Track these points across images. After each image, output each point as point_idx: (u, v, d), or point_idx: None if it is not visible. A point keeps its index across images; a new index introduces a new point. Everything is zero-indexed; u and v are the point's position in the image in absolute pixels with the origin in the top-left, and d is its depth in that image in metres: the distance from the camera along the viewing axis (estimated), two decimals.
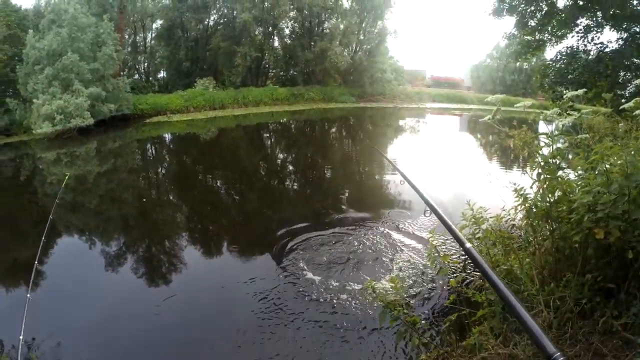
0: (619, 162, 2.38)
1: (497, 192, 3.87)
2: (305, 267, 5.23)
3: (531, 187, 3.06)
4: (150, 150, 17.78)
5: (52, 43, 22.21)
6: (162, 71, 39.53)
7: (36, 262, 3.13)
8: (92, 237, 7.16)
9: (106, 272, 5.61)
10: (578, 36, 13.25)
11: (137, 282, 5.29)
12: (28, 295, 2.84)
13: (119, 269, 5.65)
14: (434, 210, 2.67)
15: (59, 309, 4.64)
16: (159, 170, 13.57)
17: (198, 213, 8.23)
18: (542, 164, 2.91)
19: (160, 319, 4.48)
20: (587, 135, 2.90)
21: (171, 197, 9.75)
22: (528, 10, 13.83)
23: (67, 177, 5.18)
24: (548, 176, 2.84)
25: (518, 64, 40.61)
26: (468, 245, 1.95)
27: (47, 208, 8.76)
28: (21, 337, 2.66)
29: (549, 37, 14.29)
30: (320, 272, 5.09)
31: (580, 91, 2.84)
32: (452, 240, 3.92)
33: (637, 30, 12.16)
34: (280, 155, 14.30)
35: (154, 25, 38.33)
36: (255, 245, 6.23)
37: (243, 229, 7.23)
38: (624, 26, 12.31)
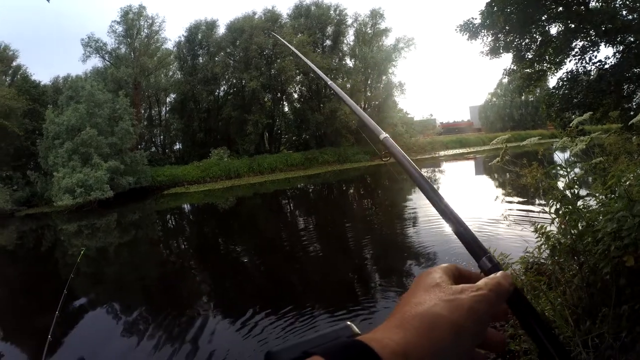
0: (637, 180, 2.24)
1: (519, 233, 3.68)
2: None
3: (552, 224, 2.91)
4: (170, 222, 17.66)
5: (71, 118, 23.32)
6: (177, 143, 40.94)
7: (49, 336, 3.10)
8: (106, 312, 7.00)
9: (120, 347, 5.42)
10: (575, 59, 13.34)
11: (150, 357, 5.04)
12: None
13: (134, 344, 5.44)
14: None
15: None
16: (180, 241, 13.37)
17: (221, 289, 7.80)
18: (559, 197, 2.76)
19: None
20: (601, 158, 2.78)
21: (192, 269, 9.51)
22: (523, 44, 14.04)
23: (82, 251, 5.12)
24: (568, 208, 2.69)
25: (523, 97, 40.80)
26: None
27: (66, 281, 8.64)
28: None
29: (548, 65, 14.45)
30: None
31: (586, 115, 2.75)
32: None
33: (632, 39, 12.11)
34: (302, 223, 13.90)
35: (168, 99, 40.18)
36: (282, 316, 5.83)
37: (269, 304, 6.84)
38: (618, 39, 12.34)
